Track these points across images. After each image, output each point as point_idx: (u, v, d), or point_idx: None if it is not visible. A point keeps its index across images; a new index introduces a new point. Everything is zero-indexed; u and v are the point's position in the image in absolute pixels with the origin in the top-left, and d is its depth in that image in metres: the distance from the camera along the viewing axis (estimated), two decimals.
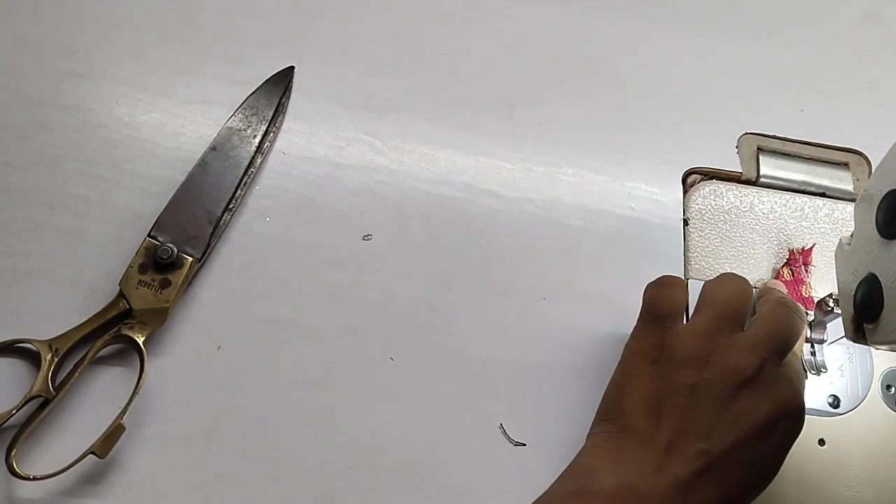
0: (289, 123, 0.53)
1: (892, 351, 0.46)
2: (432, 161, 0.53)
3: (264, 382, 0.45)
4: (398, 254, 0.50)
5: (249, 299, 0.47)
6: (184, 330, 0.46)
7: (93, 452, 0.41)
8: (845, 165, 0.56)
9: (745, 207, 0.54)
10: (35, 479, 0.40)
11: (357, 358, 0.46)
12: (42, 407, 0.42)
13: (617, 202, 0.53)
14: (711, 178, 0.55)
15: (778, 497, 0.45)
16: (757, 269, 0.52)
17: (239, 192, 0.49)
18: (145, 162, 0.49)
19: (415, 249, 0.50)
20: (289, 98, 0.53)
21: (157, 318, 0.45)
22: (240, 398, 0.45)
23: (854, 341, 0.40)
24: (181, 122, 0.50)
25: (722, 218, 0.54)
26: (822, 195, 0.55)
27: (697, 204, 0.54)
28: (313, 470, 0.44)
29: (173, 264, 0.45)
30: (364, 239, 0.50)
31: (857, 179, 0.56)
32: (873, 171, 0.54)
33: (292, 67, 0.54)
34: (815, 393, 0.48)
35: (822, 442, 0.47)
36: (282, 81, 0.53)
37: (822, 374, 0.48)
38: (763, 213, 0.54)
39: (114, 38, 0.54)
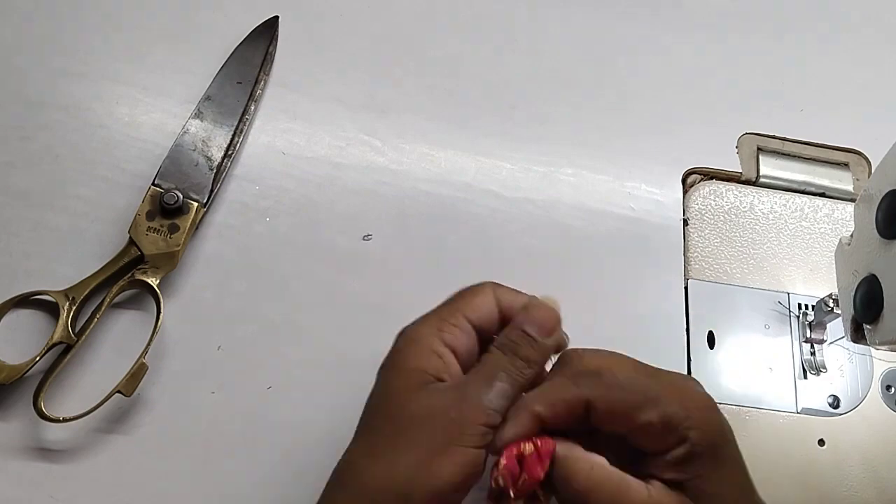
0: (289, 123, 0.53)
1: (892, 351, 0.46)
2: (432, 161, 0.53)
3: (263, 382, 0.45)
4: (398, 254, 0.50)
5: (249, 299, 0.47)
6: (184, 330, 0.46)
7: (119, 391, 0.42)
8: (845, 165, 0.56)
9: (744, 207, 0.54)
10: (64, 420, 0.41)
11: (357, 358, 0.45)
12: (64, 353, 0.43)
13: (617, 202, 0.53)
14: (711, 178, 0.55)
15: (778, 497, 0.45)
16: (756, 269, 0.52)
17: (236, 138, 0.50)
18: (145, 162, 0.49)
19: (415, 249, 0.50)
20: (276, 47, 0.54)
21: (168, 262, 0.46)
22: (239, 398, 0.45)
23: (854, 342, 0.40)
24: (181, 122, 0.50)
25: (722, 218, 0.53)
26: (822, 195, 0.55)
27: (697, 204, 0.54)
28: (311, 472, 0.44)
29: (180, 209, 0.47)
30: (364, 239, 0.50)
31: (857, 179, 0.56)
32: (873, 171, 0.54)
33: (277, 17, 0.55)
34: (815, 393, 0.48)
35: (821, 442, 0.47)
36: (267, 31, 0.54)
37: (822, 374, 0.48)
38: (763, 213, 0.54)
39: (114, 38, 0.54)
